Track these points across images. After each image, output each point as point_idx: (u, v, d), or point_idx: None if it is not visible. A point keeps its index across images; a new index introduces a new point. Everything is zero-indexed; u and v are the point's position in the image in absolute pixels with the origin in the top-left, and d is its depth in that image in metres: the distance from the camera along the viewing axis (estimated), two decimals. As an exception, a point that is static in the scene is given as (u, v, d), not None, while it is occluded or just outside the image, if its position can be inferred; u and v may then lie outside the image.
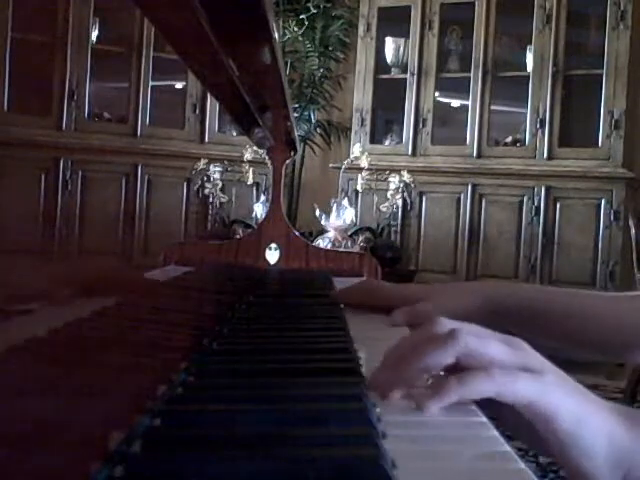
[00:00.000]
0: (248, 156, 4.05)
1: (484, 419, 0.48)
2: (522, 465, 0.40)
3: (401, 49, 4.68)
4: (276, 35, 0.87)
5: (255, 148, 3.75)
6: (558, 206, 4.20)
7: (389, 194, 4.13)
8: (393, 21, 4.68)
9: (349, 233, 3.93)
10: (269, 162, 1.64)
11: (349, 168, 4.21)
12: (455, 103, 4.83)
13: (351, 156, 4.23)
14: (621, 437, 0.48)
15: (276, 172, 1.52)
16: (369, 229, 4.14)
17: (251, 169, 4.09)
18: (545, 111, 4.25)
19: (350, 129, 4.74)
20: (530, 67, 4.33)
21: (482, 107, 4.39)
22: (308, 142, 4.81)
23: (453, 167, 4.39)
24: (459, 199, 4.39)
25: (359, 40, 4.68)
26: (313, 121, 4.86)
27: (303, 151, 4.71)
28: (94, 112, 4.28)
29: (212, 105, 4.41)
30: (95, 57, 4.16)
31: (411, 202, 4.40)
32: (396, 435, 0.43)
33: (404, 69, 4.63)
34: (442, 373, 0.52)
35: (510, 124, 4.53)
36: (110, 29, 4.35)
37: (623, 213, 3.99)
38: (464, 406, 0.50)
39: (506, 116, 4.61)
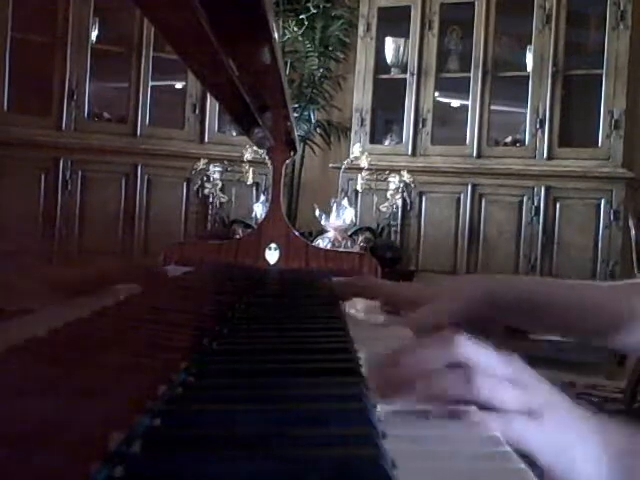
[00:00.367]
0: (248, 156, 4.05)
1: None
2: (522, 465, 0.40)
3: (401, 49, 4.68)
4: (276, 35, 0.87)
5: (255, 148, 3.75)
6: (558, 206, 4.20)
7: (389, 194, 4.13)
8: (393, 21, 4.68)
9: (349, 233, 3.93)
10: (269, 162, 1.64)
11: (349, 168, 4.21)
12: (455, 103, 4.83)
13: (351, 156, 4.23)
14: (618, 456, 0.50)
15: (276, 172, 1.52)
16: (369, 229, 4.14)
17: (251, 169, 4.09)
18: (545, 111, 4.25)
19: (350, 129, 4.74)
20: (530, 67, 4.33)
21: (482, 107, 4.39)
22: (308, 142, 4.81)
23: (453, 167, 4.39)
24: (459, 199, 4.39)
25: (359, 40, 4.68)
26: (313, 121, 4.86)
27: (303, 151, 4.71)
28: (94, 112, 4.28)
29: (212, 105, 4.41)
30: (95, 57, 4.16)
31: (411, 202, 4.40)
32: (396, 435, 0.43)
33: (404, 69, 4.63)
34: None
35: (510, 124, 4.53)
36: (110, 29, 4.35)
37: (623, 213, 3.99)
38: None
39: (506, 116, 4.61)
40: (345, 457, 0.37)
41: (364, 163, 4.08)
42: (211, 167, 4.10)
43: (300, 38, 4.71)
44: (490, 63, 4.41)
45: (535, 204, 4.23)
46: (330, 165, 4.74)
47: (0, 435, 0.33)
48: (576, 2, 4.28)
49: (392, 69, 4.74)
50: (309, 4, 4.71)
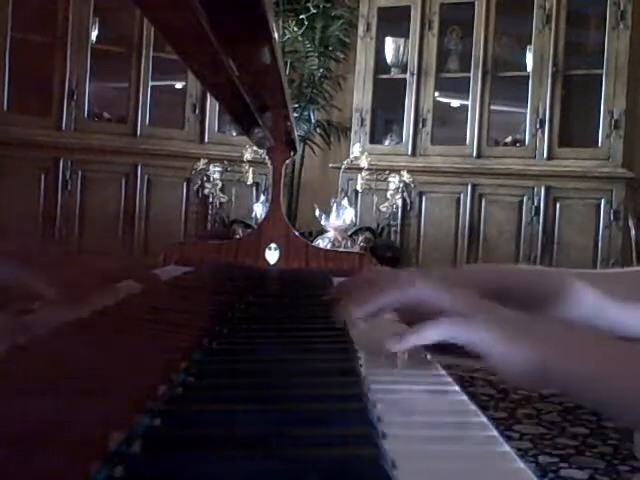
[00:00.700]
0: (248, 156, 4.05)
1: (484, 419, 0.48)
2: (522, 465, 0.40)
3: (401, 49, 4.68)
4: (276, 35, 0.87)
5: (255, 148, 3.75)
6: (558, 206, 4.20)
7: (389, 194, 4.14)
8: (393, 21, 4.68)
9: (349, 233, 3.93)
10: (269, 162, 1.64)
11: (349, 168, 4.21)
12: (455, 103, 4.83)
13: (351, 156, 4.23)
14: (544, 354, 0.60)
15: (276, 172, 1.52)
16: (369, 229, 4.14)
17: (251, 169, 4.09)
18: (545, 111, 4.25)
19: (350, 129, 4.74)
20: (530, 67, 4.33)
21: (482, 107, 4.39)
22: (308, 142, 4.81)
23: (453, 167, 4.39)
24: (459, 199, 4.39)
25: (359, 40, 4.68)
26: (313, 121, 4.86)
27: (303, 151, 4.71)
28: (94, 112, 4.28)
29: (212, 105, 4.41)
30: (95, 57, 4.16)
31: (411, 202, 4.40)
32: (396, 435, 0.43)
33: (404, 69, 4.63)
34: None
35: (510, 124, 4.53)
36: (110, 29, 4.34)
37: (623, 213, 4.00)
38: (464, 406, 0.50)
39: (506, 116, 4.61)
40: (345, 457, 0.37)
41: (364, 163, 4.08)
42: (211, 167, 4.10)
43: (300, 38, 4.71)
44: (490, 63, 4.41)
45: (535, 204, 4.23)
46: (330, 165, 4.74)
47: (0, 435, 0.33)
48: (576, 2, 4.28)
49: (392, 69, 4.74)
50: (309, 4, 4.71)
